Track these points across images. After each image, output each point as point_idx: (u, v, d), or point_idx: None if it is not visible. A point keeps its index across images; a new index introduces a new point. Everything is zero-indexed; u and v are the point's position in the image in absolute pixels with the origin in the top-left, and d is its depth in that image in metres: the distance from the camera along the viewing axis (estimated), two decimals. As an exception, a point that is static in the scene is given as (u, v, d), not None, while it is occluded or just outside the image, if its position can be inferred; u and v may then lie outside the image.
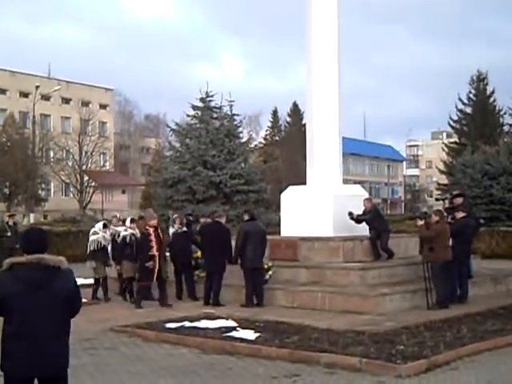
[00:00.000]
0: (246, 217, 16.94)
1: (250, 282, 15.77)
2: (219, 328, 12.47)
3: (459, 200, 17.22)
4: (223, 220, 17.05)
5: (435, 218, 15.41)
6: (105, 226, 18.08)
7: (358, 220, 17.36)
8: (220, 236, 16.24)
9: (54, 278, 5.62)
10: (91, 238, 17.73)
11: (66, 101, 78.10)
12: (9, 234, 26.10)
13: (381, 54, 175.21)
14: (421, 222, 15.55)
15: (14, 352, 5.54)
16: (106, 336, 12.71)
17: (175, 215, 19.64)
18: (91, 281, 20.59)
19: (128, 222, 17.78)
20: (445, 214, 16.46)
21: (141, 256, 16.14)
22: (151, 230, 16.15)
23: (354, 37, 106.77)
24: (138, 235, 16.95)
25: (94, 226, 18.53)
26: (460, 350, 10.62)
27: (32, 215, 50.45)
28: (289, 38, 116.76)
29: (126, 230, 17.36)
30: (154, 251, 15.92)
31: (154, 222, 16.50)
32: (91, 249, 17.61)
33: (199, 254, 17.29)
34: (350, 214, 17.21)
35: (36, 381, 5.73)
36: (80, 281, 17.98)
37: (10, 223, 26.98)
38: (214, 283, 16.07)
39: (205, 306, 15.60)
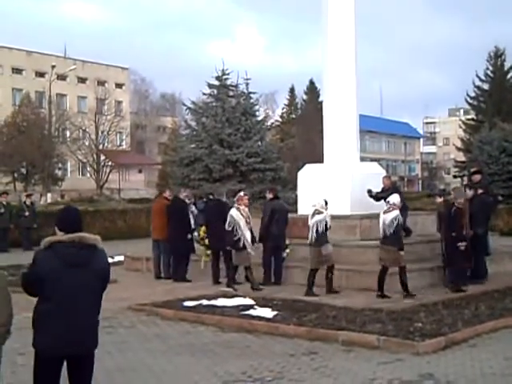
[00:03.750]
0: (270, 195, 16.91)
1: (270, 260, 15.81)
2: (237, 306, 12.52)
3: (477, 177, 17.11)
4: (224, 198, 17.09)
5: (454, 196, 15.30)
6: (326, 202, 14.71)
7: (376, 197, 17.26)
8: (222, 214, 16.24)
9: (91, 257, 5.74)
10: (315, 218, 14.24)
11: (82, 80, 78.17)
12: (26, 213, 26.31)
13: (398, 30, 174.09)
14: (440, 200, 15.45)
15: (50, 330, 5.57)
16: (124, 314, 12.77)
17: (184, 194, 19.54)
18: (109, 260, 20.73)
19: (397, 199, 14.17)
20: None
21: (452, 235, 14.40)
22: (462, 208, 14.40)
23: (370, 11, 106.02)
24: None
25: (313, 205, 14.64)
26: (478, 327, 10.62)
27: (49, 195, 50.69)
28: (306, 14, 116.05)
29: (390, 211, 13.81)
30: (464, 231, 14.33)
31: (461, 201, 14.60)
32: (319, 232, 14.18)
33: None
34: (369, 191, 17.11)
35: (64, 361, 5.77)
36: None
37: (28, 203, 27.22)
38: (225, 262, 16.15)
39: (216, 285, 15.69)
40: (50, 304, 5.58)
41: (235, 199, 15.88)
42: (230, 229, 15.09)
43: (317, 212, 14.27)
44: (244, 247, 15.12)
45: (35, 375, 5.74)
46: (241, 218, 15.10)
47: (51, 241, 5.68)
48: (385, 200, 17.20)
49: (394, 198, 14.14)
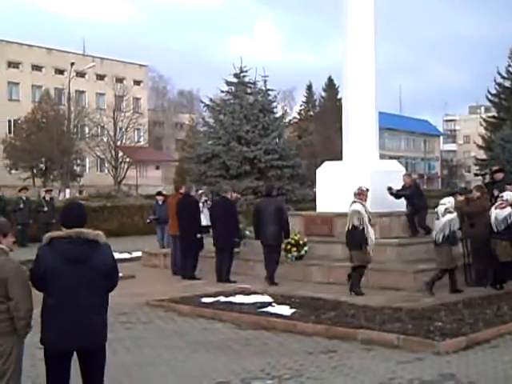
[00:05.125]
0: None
1: (266, 258, 15.73)
2: (254, 303, 12.43)
3: (500, 175, 16.88)
4: (229, 195, 16.96)
5: (476, 194, 15.12)
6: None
7: (397, 195, 17.13)
8: (226, 212, 16.16)
9: (92, 252, 5.71)
10: (447, 217, 13.66)
11: (101, 77, 78.29)
12: (45, 208, 26.42)
13: (419, 26, 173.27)
14: (461, 198, 15.28)
15: (53, 325, 5.63)
16: (141, 310, 12.76)
17: (200, 191, 19.53)
18: (126, 255, 20.75)
19: (510, 195, 14.07)
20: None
21: None
22: None
23: (391, 7, 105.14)
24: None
25: (443, 203, 14.05)
26: (501, 327, 10.44)
27: (68, 190, 50.82)
28: (324, 9, 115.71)
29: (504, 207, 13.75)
30: None
31: None
32: (451, 231, 13.69)
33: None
34: (390, 188, 16.94)
35: (75, 354, 5.82)
36: (115, 255, 18.19)
37: (47, 198, 27.37)
38: (224, 260, 16.11)
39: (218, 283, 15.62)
40: (52, 299, 5.65)
41: (356, 193, 14.40)
42: (358, 225, 13.74)
43: (448, 211, 13.77)
44: (366, 245, 13.78)
45: (46, 370, 5.82)
46: (365, 213, 13.91)
47: (51, 236, 5.73)
48: (406, 198, 17.09)
49: (508, 195, 14.18)
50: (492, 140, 57.36)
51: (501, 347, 9.65)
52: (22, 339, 5.89)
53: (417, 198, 17.12)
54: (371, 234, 13.79)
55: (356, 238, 13.75)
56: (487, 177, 17.55)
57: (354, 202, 14.10)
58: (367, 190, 14.46)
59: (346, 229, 14.03)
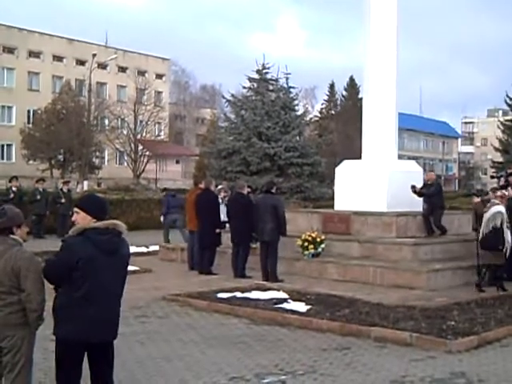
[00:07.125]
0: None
1: (262, 255, 15.75)
2: (270, 299, 12.50)
3: (515, 178, 16.87)
4: (245, 191, 16.94)
5: (492, 196, 15.17)
6: None
7: (420, 193, 17.23)
8: (243, 207, 16.19)
9: (120, 244, 5.74)
10: None
11: (123, 69, 78.29)
12: (63, 200, 26.39)
13: (439, 28, 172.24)
14: (477, 199, 15.34)
15: (81, 317, 5.50)
16: (157, 304, 12.80)
17: (219, 186, 19.64)
18: (144, 249, 20.89)
19: None
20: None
21: None
22: None
23: (412, 9, 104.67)
24: None
25: None
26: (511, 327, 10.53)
27: (86, 182, 50.92)
28: (349, 7, 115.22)
29: None
30: None
31: None
32: None
33: None
34: (413, 187, 17.06)
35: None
36: (132, 249, 18.26)
37: (65, 190, 27.29)
38: (240, 255, 16.16)
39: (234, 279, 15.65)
40: (83, 291, 5.48)
41: (496, 195, 14.52)
42: (500, 226, 13.79)
43: None
44: (503, 246, 13.96)
45: (59, 364, 5.68)
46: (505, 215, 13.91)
47: (85, 227, 5.58)
48: (427, 196, 17.17)
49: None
50: (509, 143, 57.38)
51: (511, 346, 9.75)
52: (34, 331, 5.84)
53: (437, 197, 17.22)
54: (508, 235, 13.93)
55: (495, 239, 13.87)
56: (502, 179, 17.50)
57: (495, 203, 14.17)
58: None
59: (486, 229, 14.06)
